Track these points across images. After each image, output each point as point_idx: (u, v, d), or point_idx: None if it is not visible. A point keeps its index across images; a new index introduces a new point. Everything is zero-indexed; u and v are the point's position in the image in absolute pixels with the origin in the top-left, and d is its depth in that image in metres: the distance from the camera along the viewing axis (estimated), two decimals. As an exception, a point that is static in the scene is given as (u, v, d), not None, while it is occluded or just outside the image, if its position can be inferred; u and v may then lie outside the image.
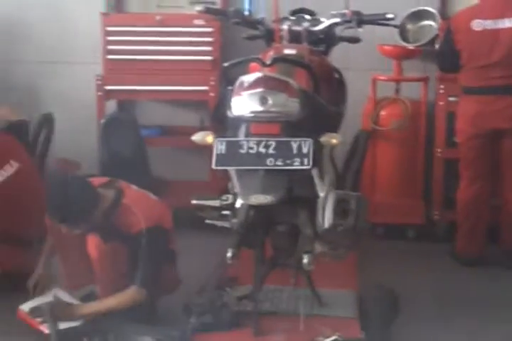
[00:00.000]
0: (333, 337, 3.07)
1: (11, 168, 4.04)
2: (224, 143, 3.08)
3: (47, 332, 3.38)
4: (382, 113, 4.99)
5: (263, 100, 3.05)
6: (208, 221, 3.40)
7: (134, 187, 3.68)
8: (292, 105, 3.11)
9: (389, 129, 4.92)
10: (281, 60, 3.39)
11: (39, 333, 3.41)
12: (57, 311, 3.41)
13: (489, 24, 4.39)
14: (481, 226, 4.59)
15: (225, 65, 3.41)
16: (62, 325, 3.38)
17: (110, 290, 3.49)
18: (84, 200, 3.40)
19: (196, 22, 5.15)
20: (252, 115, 3.07)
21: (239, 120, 3.13)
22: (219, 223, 3.36)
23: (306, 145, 3.03)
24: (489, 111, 4.42)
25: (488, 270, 4.49)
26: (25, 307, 3.59)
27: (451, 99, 4.88)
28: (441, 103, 4.94)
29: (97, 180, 3.62)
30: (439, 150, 4.97)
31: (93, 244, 3.45)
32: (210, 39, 5.16)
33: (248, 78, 3.17)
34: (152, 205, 3.63)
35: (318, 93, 3.38)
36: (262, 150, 3.03)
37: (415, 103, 4.99)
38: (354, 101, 4.26)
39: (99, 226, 3.47)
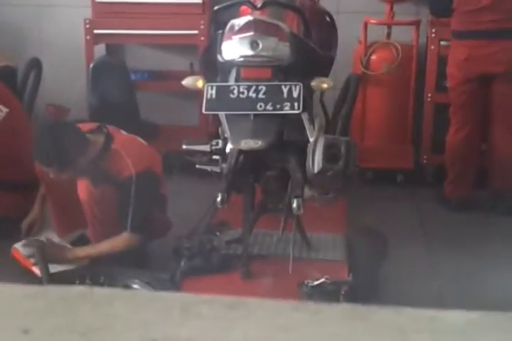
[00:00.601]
0: (322, 280, 3.10)
1: (0, 113, 4.01)
2: (214, 88, 3.06)
3: (39, 274, 3.41)
4: (373, 57, 4.94)
5: (253, 44, 3.03)
6: (198, 166, 3.41)
7: (123, 132, 3.67)
8: (283, 49, 3.09)
9: (379, 73, 4.89)
10: (271, 3, 3.35)
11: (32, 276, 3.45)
12: (48, 252, 3.44)
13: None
14: (469, 170, 4.61)
15: (216, 8, 3.38)
16: (54, 269, 3.41)
17: (101, 234, 3.51)
18: (71, 145, 3.38)
19: (186, -36, 5.09)
20: (243, 59, 3.06)
21: (229, 64, 3.11)
22: (209, 168, 3.37)
23: (297, 90, 3.02)
24: (479, 55, 4.39)
25: (475, 213, 4.51)
26: (19, 245, 3.62)
27: (442, 43, 4.84)
28: (432, 47, 4.90)
29: (86, 126, 3.61)
30: (429, 94, 4.95)
31: (83, 188, 3.46)
32: (200, -19, 5.09)
33: (239, 22, 3.14)
34: (142, 150, 3.62)
35: (309, 37, 3.36)
36: (253, 94, 3.02)
37: (406, 47, 4.94)
38: (345, 45, 4.22)
39: (89, 171, 3.47)
